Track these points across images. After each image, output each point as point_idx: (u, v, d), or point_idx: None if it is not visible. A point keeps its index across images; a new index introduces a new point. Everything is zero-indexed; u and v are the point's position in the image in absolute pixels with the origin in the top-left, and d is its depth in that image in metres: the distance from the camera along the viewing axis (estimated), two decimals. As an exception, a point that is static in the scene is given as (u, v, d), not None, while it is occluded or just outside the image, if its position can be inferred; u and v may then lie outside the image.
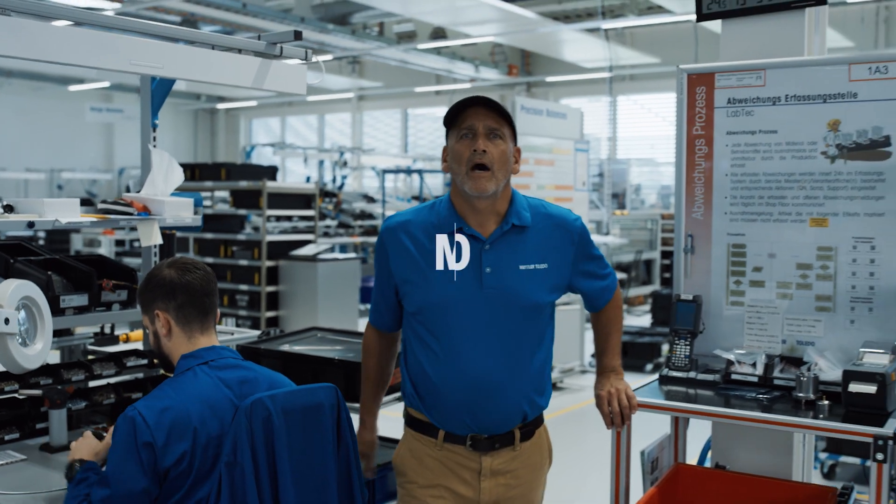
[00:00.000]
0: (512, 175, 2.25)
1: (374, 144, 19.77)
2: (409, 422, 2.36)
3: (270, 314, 7.49)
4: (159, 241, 2.96)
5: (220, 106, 22.03)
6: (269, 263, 7.60)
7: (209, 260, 7.72)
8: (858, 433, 2.24)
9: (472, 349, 2.20)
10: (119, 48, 2.45)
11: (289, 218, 8.26)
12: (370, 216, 13.00)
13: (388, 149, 19.33)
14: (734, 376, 2.70)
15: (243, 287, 7.66)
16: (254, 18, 11.78)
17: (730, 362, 2.72)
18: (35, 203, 2.76)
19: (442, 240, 2.21)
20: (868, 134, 2.57)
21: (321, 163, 12.85)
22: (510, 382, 2.22)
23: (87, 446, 2.25)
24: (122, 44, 2.47)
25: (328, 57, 15.66)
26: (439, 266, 2.21)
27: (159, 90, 3.24)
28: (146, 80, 3.24)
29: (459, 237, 2.21)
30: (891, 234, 2.56)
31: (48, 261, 3.01)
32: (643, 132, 16.98)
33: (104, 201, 2.98)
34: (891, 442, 2.18)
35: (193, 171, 8.02)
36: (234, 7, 11.40)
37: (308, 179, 12.90)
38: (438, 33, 14.95)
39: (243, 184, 7.77)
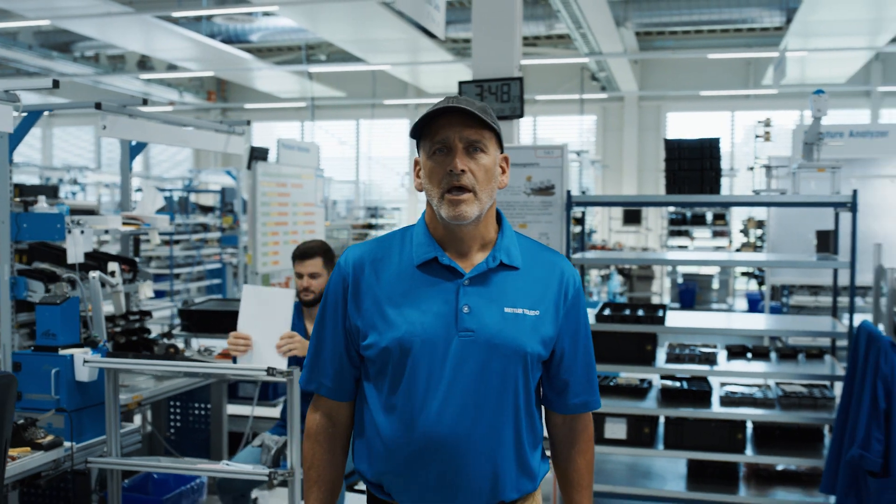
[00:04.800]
0: (498, 188, 1.92)
1: (67, 160, 20.35)
2: (369, 500, 1.98)
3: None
4: (158, 241, 4.89)
5: None
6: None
7: None
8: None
9: (438, 406, 1.81)
10: (169, 132, 4.41)
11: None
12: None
13: (85, 164, 20.07)
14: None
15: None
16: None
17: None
18: (94, 219, 4.59)
19: (411, 273, 1.88)
20: (544, 184, 5.25)
21: (47, 179, 13.84)
22: (486, 452, 1.83)
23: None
24: (169, 129, 4.44)
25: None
26: (406, 303, 1.85)
27: (137, 147, 5.12)
28: (125, 144, 5.11)
29: (434, 270, 1.87)
30: (556, 231, 5.23)
31: (88, 254, 4.80)
32: (326, 154, 19.58)
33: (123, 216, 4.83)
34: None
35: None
36: (-33, 34, 12.24)
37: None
38: (144, 60, 16.41)
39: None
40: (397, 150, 19.11)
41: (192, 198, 14.34)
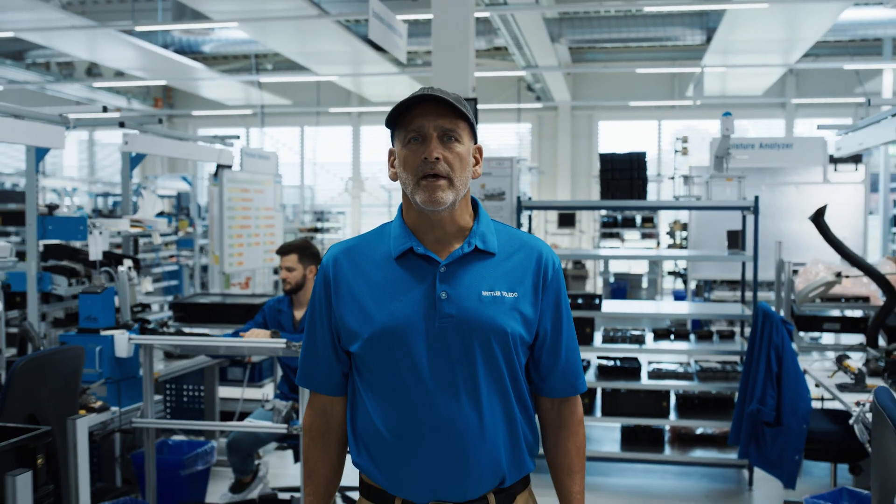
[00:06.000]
0: (472, 178, 1.93)
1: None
2: (363, 490, 1.99)
3: None
4: (160, 241, 5.52)
5: None
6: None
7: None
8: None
9: (428, 392, 1.84)
10: (178, 146, 5.06)
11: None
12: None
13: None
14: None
15: None
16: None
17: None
18: (108, 222, 5.21)
19: (390, 266, 1.90)
20: (496, 191, 6.01)
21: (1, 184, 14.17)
22: (480, 433, 1.85)
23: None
24: (177, 144, 5.08)
25: (-1, 88, 16.68)
26: (386, 295, 1.88)
27: (136, 158, 5.75)
28: (126, 155, 5.74)
29: (411, 260, 1.90)
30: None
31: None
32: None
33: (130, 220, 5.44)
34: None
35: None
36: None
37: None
38: (92, 67, 16.79)
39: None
40: (341, 156, 19.76)
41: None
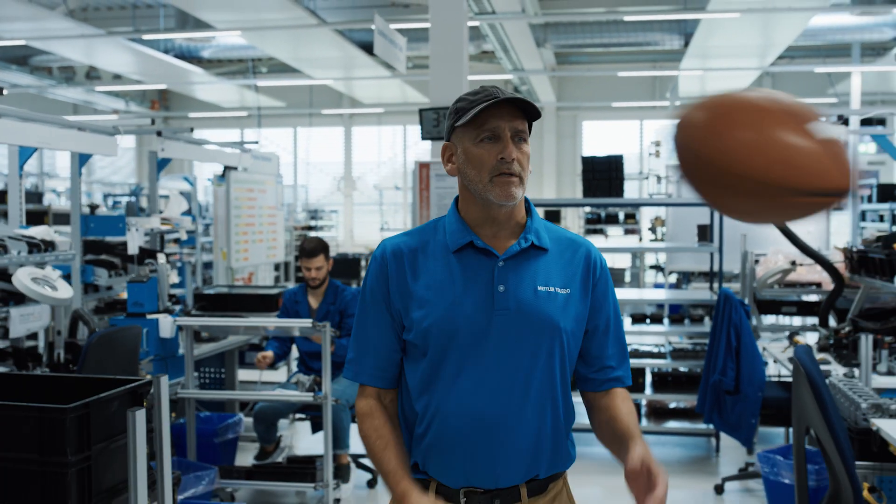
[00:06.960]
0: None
1: None
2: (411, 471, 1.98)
3: None
4: (185, 237, 6.11)
5: None
6: None
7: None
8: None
9: (474, 381, 1.88)
10: (204, 151, 5.64)
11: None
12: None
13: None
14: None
15: None
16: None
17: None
18: (142, 220, 5.80)
19: (447, 258, 1.93)
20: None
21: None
22: (519, 426, 1.88)
23: None
24: (204, 149, 5.67)
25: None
26: (445, 286, 1.90)
27: (163, 162, 6.33)
28: (153, 157, 6.32)
29: (469, 254, 1.93)
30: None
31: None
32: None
33: (161, 218, 6.03)
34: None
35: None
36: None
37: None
38: (91, 70, 17.32)
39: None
40: (333, 156, 20.36)
41: (143, 202, 15.29)
